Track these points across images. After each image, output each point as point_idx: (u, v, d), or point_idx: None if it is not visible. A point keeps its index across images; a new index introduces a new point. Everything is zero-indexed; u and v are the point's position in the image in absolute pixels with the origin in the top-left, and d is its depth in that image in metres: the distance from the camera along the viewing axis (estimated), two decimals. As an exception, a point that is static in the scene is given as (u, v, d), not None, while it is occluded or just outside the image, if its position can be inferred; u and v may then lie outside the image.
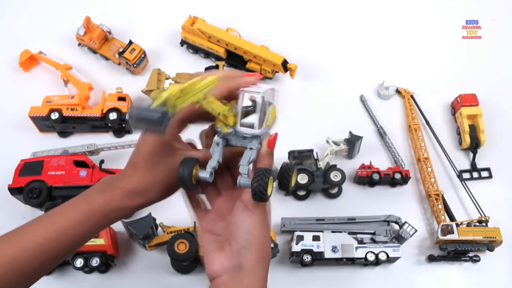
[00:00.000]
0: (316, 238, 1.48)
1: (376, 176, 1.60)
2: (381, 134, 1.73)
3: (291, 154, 1.59)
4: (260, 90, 0.61)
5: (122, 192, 0.64)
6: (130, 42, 1.75)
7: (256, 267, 0.63)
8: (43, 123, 1.65)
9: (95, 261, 1.43)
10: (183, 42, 1.85)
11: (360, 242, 1.51)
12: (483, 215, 1.56)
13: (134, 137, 1.67)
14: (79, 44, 1.85)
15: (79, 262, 1.43)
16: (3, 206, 1.53)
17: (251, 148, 0.62)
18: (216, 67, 1.76)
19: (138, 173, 0.64)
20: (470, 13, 1.94)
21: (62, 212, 0.64)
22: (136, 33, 1.84)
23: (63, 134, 1.70)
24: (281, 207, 1.56)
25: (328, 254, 1.46)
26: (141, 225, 1.43)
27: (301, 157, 1.60)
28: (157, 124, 0.47)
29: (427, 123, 1.75)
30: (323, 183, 1.57)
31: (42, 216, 0.65)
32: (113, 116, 1.63)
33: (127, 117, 1.62)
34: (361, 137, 1.63)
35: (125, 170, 0.66)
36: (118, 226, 1.50)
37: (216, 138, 0.63)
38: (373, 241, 1.53)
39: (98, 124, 1.66)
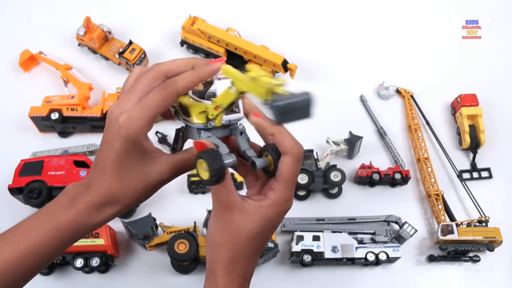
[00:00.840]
0: (316, 238, 1.48)
1: (376, 176, 1.60)
2: (381, 134, 1.73)
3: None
4: None
5: (88, 205, 0.59)
6: (130, 42, 1.75)
7: (213, 268, 0.62)
8: (43, 123, 1.65)
9: (95, 261, 1.43)
10: (183, 42, 1.85)
11: (360, 242, 1.51)
12: (483, 215, 1.56)
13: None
14: (79, 44, 1.85)
15: (79, 262, 1.43)
16: (3, 206, 1.53)
17: (241, 133, 0.62)
18: (216, 67, 1.75)
19: (105, 181, 0.58)
20: (470, 13, 1.94)
21: (26, 230, 0.60)
22: (136, 33, 1.84)
23: (63, 134, 1.70)
24: (281, 207, 1.56)
25: (328, 254, 1.46)
26: (141, 225, 1.44)
27: (301, 157, 1.60)
28: (305, 109, 0.47)
29: (427, 123, 1.75)
30: (323, 183, 1.57)
31: (6, 233, 0.61)
32: (113, 116, 1.63)
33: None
34: (361, 137, 1.63)
35: (91, 177, 0.60)
36: (118, 226, 1.50)
37: (204, 133, 0.61)
38: (373, 241, 1.53)
39: (98, 124, 1.66)
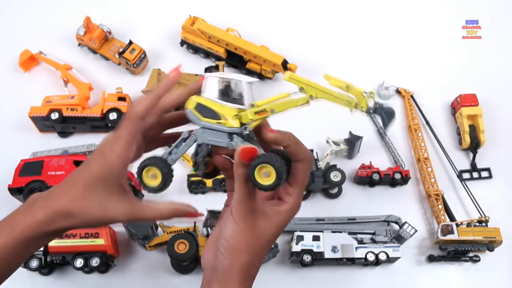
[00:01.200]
0: (316, 238, 1.48)
1: (376, 176, 1.60)
2: (381, 134, 1.73)
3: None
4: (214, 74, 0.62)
5: (45, 212, 0.59)
6: (130, 42, 1.75)
7: (228, 274, 0.61)
8: (43, 123, 1.65)
9: (95, 261, 1.43)
10: (183, 42, 1.85)
11: (360, 242, 1.51)
12: (483, 215, 1.56)
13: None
14: (79, 44, 1.85)
15: (79, 262, 1.43)
16: (3, 206, 1.51)
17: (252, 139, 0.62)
18: (216, 67, 1.76)
19: (69, 194, 0.60)
20: (470, 13, 1.94)
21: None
22: (136, 33, 1.84)
23: (63, 134, 1.70)
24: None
25: (328, 254, 1.46)
26: (141, 225, 1.44)
27: (301, 157, 1.60)
28: (393, 113, 0.61)
29: (427, 123, 1.75)
30: (323, 183, 1.57)
31: None
32: (113, 116, 1.63)
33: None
34: (361, 137, 1.63)
35: (57, 188, 0.61)
36: (118, 226, 1.50)
37: (237, 138, 0.60)
38: (373, 241, 1.53)
39: (98, 124, 1.66)
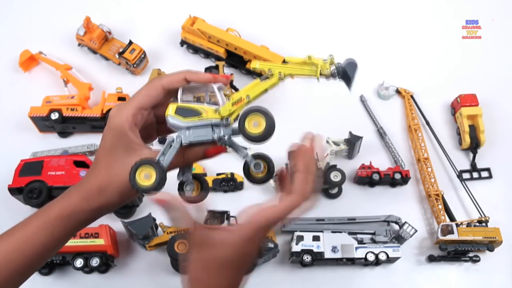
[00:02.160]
0: (316, 238, 1.48)
1: (376, 176, 1.60)
2: (381, 134, 1.73)
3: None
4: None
5: (78, 194, 0.62)
6: (130, 42, 1.75)
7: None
8: (43, 123, 1.65)
9: (95, 261, 1.43)
10: (183, 42, 1.85)
11: (360, 242, 1.51)
12: (483, 215, 1.56)
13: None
14: (79, 44, 1.85)
15: (79, 262, 1.43)
16: (3, 206, 1.53)
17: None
18: (216, 67, 1.76)
19: (95, 171, 0.62)
20: (470, 13, 1.94)
21: (21, 223, 0.63)
22: (136, 33, 1.84)
23: (63, 134, 1.70)
24: (281, 207, 1.56)
25: (328, 254, 1.46)
26: (141, 225, 1.44)
27: (301, 157, 1.60)
28: (355, 66, 0.61)
29: (427, 123, 1.75)
30: (323, 183, 1.57)
31: (8, 229, 0.64)
32: (113, 116, 1.63)
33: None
34: (361, 137, 1.63)
35: (88, 172, 0.64)
36: (118, 226, 1.51)
37: (219, 130, 0.63)
38: (373, 241, 1.53)
39: (98, 124, 1.66)
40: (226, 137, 0.62)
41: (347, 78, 0.62)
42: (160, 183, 0.59)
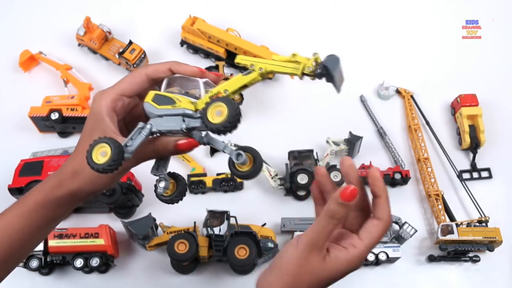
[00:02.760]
0: (316, 238, 1.48)
1: (376, 176, 1.60)
2: (381, 134, 1.73)
3: (291, 154, 1.58)
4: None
5: (54, 178, 0.64)
6: (130, 42, 1.75)
7: None
8: (43, 123, 1.65)
9: (95, 261, 1.43)
10: (183, 42, 1.85)
11: (360, 242, 1.50)
12: (483, 215, 1.56)
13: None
14: (79, 44, 1.85)
15: (79, 262, 1.43)
16: (3, 206, 1.50)
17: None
18: (216, 67, 1.76)
19: (73, 155, 0.64)
20: (470, 13, 1.94)
21: (3, 212, 0.66)
22: (136, 33, 1.84)
23: (63, 134, 1.70)
24: (281, 207, 1.56)
25: (328, 254, 1.46)
26: (141, 225, 1.44)
27: (301, 157, 1.60)
28: (337, 61, 0.64)
29: (427, 123, 1.75)
30: (323, 183, 1.56)
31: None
32: (113, 116, 1.63)
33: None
34: (361, 137, 1.63)
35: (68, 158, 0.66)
36: (118, 226, 1.51)
37: (188, 121, 0.62)
38: (373, 241, 1.53)
39: (98, 124, 1.66)
40: (203, 134, 0.62)
41: (329, 75, 0.62)
42: (115, 160, 0.56)
